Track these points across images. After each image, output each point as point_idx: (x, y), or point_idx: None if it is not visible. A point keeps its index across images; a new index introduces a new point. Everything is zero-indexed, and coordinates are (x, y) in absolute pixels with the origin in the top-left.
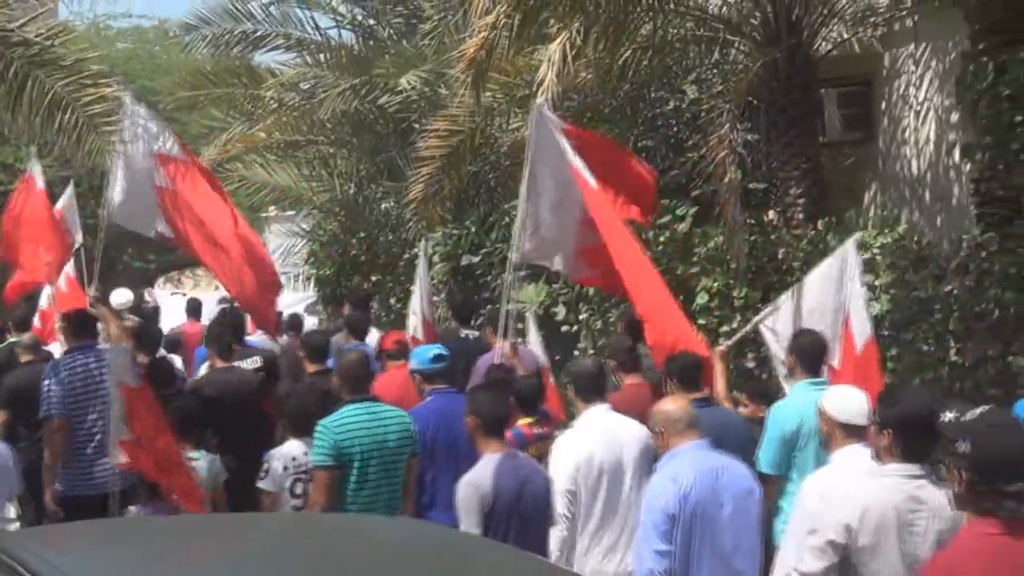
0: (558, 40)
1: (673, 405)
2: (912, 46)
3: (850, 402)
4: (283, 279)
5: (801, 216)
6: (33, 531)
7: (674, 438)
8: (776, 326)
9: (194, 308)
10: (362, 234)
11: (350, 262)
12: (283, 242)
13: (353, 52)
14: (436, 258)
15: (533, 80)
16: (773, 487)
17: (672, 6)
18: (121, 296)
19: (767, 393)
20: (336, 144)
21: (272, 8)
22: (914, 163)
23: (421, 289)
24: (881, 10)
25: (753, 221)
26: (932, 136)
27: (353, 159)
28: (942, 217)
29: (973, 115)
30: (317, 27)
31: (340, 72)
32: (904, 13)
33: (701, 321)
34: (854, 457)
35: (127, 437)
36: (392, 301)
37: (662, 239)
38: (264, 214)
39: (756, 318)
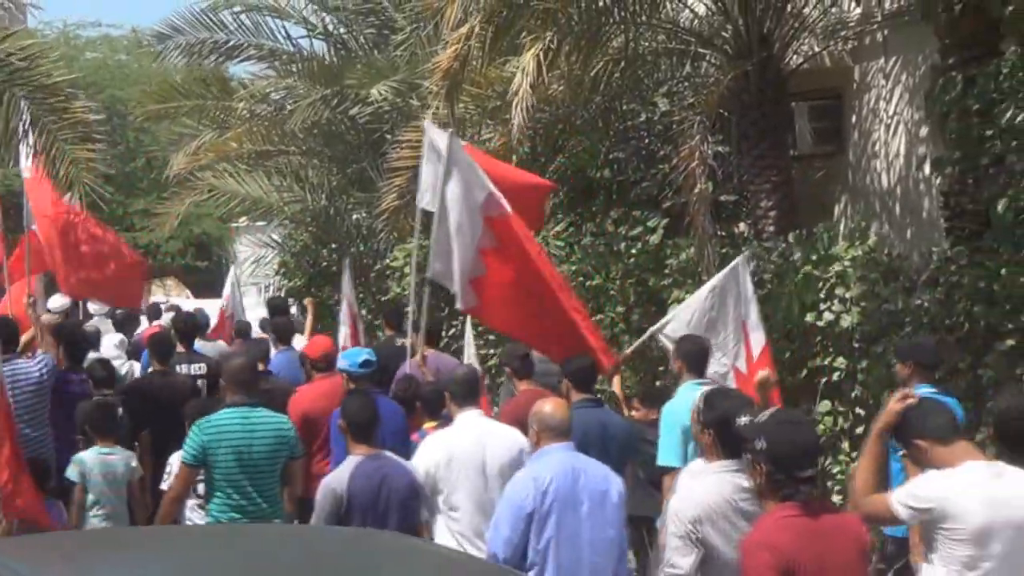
0: (531, 51)
1: (550, 408)
2: (882, 60)
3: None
4: (253, 289)
5: (771, 228)
6: (10, 542)
7: (545, 439)
8: (677, 335)
9: (154, 312)
10: (333, 245)
11: (321, 273)
12: (253, 252)
13: (324, 63)
14: (407, 269)
15: (505, 91)
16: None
17: (644, 19)
18: (56, 301)
19: (659, 397)
20: (307, 155)
21: (244, 17)
22: (884, 176)
23: (347, 300)
24: (851, 24)
25: (724, 233)
26: (902, 149)
27: (324, 170)
28: (912, 230)
29: (943, 129)
30: (289, 37)
31: (311, 83)
32: (874, 27)
33: None
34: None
35: None
36: (363, 312)
37: (634, 251)
38: (235, 224)
39: (652, 328)
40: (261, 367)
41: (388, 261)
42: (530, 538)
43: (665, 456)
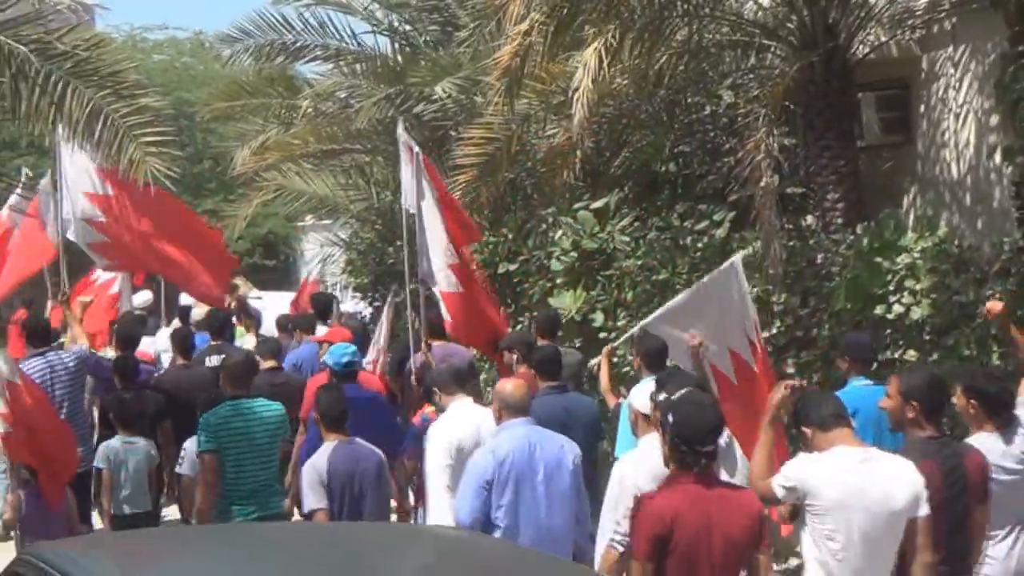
0: (593, 45)
1: (510, 387)
2: (951, 48)
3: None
4: (321, 288)
5: (839, 220)
6: (75, 541)
7: (506, 415)
8: (673, 332)
9: (183, 313)
10: (399, 242)
11: (387, 270)
12: (320, 251)
13: (388, 61)
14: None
15: (568, 86)
16: None
17: (708, 11)
18: (140, 297)
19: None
20: (372, 152)
21: (309, 16)
22: (953, 166)
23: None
24: (919, 12)
25: (791, 226)
26: (972, 139)
27: (389, 167)
28: (983, 220)
29: (1013, 117)
30: (354, 35)
31: (376, 81)
32: (942, 15)
33: None
34: (655, 441)
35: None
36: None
37: (700, 245)
38: (301, 223)
39: (643, 322)
40: (274, 364)
41: None
42: (492, 504)
43: (622, 447)
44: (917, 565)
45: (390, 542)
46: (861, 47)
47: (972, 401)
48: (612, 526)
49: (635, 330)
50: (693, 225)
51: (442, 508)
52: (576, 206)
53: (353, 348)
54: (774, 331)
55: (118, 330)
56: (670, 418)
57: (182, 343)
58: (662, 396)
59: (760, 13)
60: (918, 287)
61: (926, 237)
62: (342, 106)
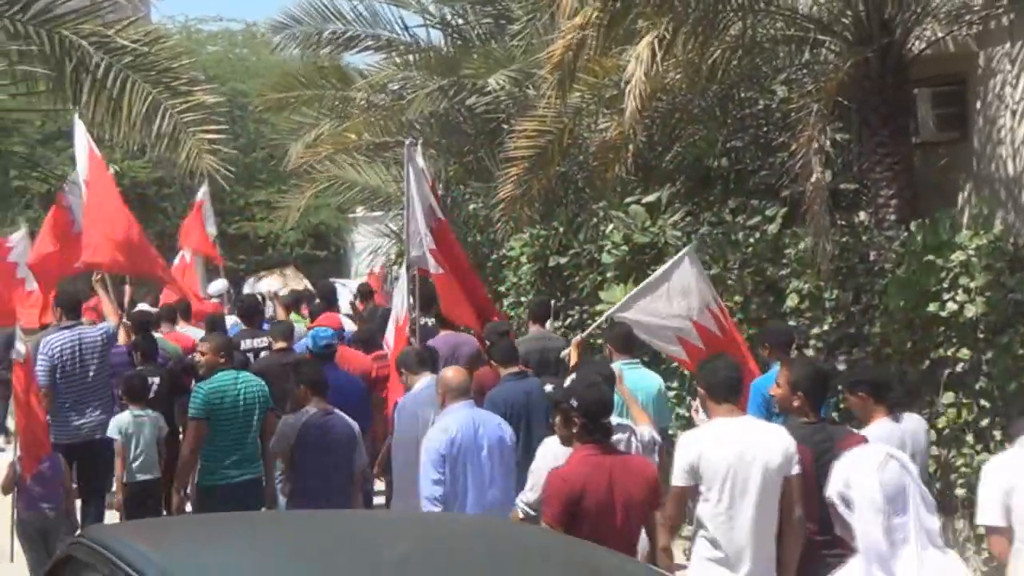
0: (647, 39)
1: (451, 374)
2: (1008, 44)
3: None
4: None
5: (892, 217)
6: (131, 525)
7: (450, 399)
8: (639, 317)
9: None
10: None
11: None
12: (371, 242)
13: (441, 53)
14: (524, 259)
15: (621, 80)
16: None
17: (762, 5)
18: (215, 286)
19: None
20: (424, 144)
21: (361, 7)
22: (1010, 163)
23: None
24: (976, 8)
25: (843, 222)
26: None
27: (441, 160)
28: None
29: None
30: (406, 27)
31: (428, 73)
32: (1000, 11)
33: (791, 323)
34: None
35: None
36: None
37: (751, 240)
38: (352, 214)
39: (608, 312)
40: (284, 345)
41: (505, 251)
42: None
43: None
44: (788, 520)
45: (464, 536)
46: (917, 43)
47: (860, 394)
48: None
49: (602, 319)
50: (745, 220)
51: (406, 479)
52: (627, 200)
53: (332, 332)
54: (825, 327)
55: (132, 316)
56: (573, 402)
57: (212, 327)
58: (550, 387)
59: (815, 8)
60: (972, 285)
61: (981, 235)
62: (395, 98)
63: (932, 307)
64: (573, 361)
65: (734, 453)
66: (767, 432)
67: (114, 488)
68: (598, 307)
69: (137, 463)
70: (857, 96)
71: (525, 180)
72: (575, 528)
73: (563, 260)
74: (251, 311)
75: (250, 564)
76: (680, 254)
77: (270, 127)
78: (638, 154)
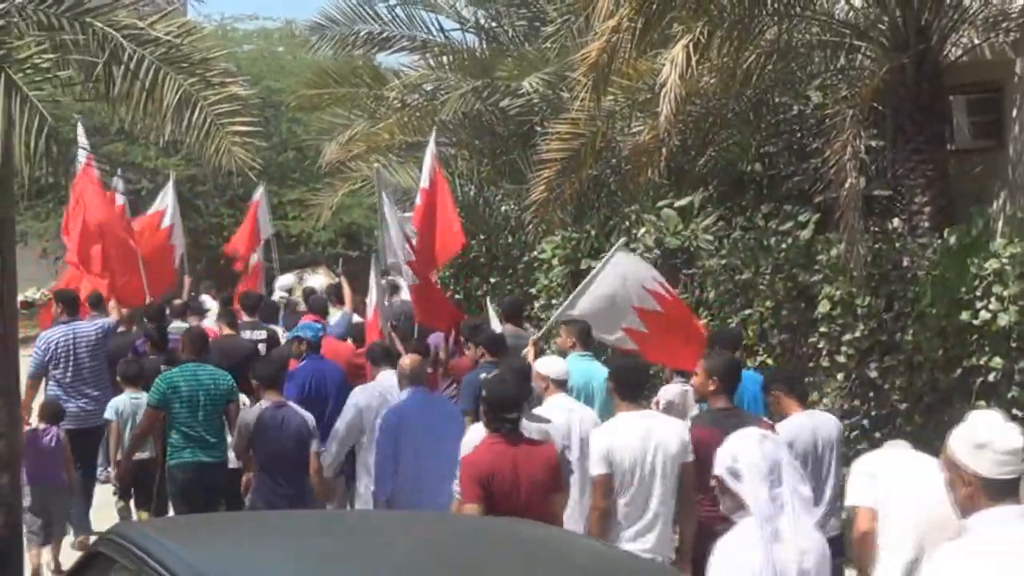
0: (681, 43)
1: (408, 361)
2: None
3: (557, 364)
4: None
5: (926, 224)
6: (161, 522)
7: (404, 384)
8: (584, 315)
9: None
10: (482, 236)
11: (469, 264)
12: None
13: (475, 55)
14: (555, 261)
15: (655, 83)
16: None
17: (798, 10)
18: (283, 281)
19: None
20: (457, 146)
21: (398, 10)
22: None
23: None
24: (1014, 15)
25: (877, 228)
26: None
27: (474, 161)
28: None
29: None
30: (441, 29)
31: (462, 74)
32: None
33: (823, 329)
34: (559, 401)
35: None
36: None
37: (784, 246)
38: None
39: (556, 313)
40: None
41: (536, 253)
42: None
43: None
44: (686, 501)
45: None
46: (954, 49)
47: (775, 392)
48: None
49: (552, 320)
50: (777, 226)
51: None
52: (660, 204)
53: (318, 326)
54: (857, 334)
55: (146, 310)
56: (484, 393)
57: (227, 317)
58: (483, 375)
59: (851, 13)
60: (1006, 293)
61: (1015, 242)
62: (428, 98)
63: (965, 315)
64: (531, 358)
65: (638, 443)
66: (666, 424)
67: (110, 466)
68: None
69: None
70: (892, 102)
71: (557, 183)
72: (488, 507)
73: (595, 263)
74: (256, 304)
75: (280, 563)
76: (612, 251)
77: (303, 126)
78: (671, 158)
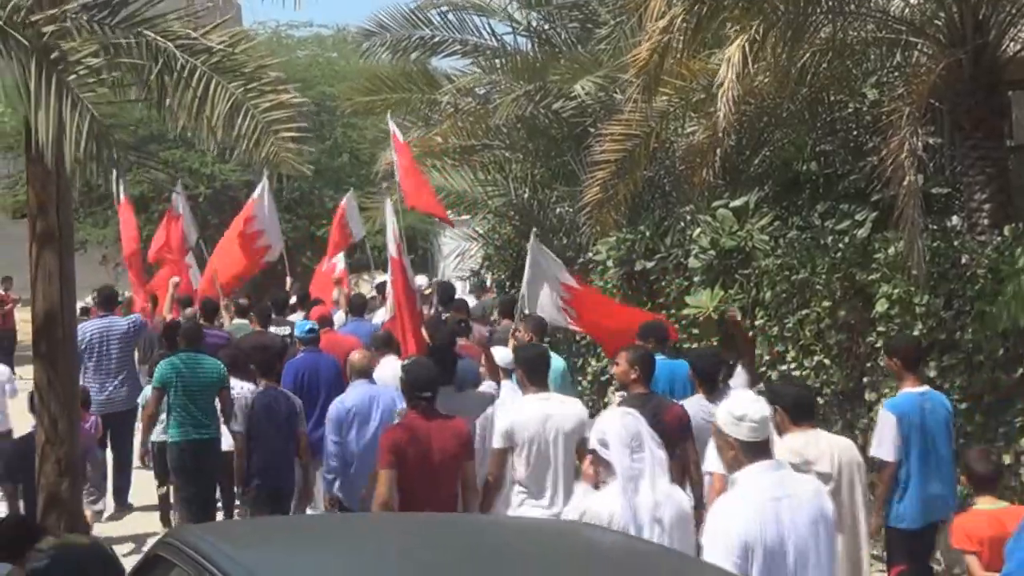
0: (737, 42)
1: (357, 356)
2: None
3: (501, 353)
4: (458, 283)
5: (986, 222)
6: (219, 526)
7: (353, 377)
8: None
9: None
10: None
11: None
12: (458, 245)
13: (528, 58)
14: (610, 263)
15: (709, 83)
16: None
17: (853, 8)
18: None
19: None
20: (511, 149)
21: (450, 15)
22: None
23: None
24: None
25: (935, 226)
26: None
27: (528, 163)
28: None
29: None
30: (493, 33)
31: (515, 78)
32: None
33: (880, 328)
34: (510, 384)
35: None
36: None
37: (841, 245)
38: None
39: (517, 318)
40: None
41: (591, 255)
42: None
43: None
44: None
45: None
46: (1012, 44)
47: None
48: None
49: (518, 317)
50: (834, 225)
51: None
52: (715, 204)
53: (311, 324)
54: (916, 333)
55: (204, 304)
56: (402, 375)
57: (259, 314)
58: (404, 362)
59: (907, 10)
60: None
61: None
62: (481, 102)
63: None
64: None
65: (538, 421)
66: (564, 404)
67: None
68: (684, 311)
69: (159, 427)
70: (949, 98)
71: (611, 184)
72: (402, 473)
73: (650, 264)
74: (281, 304)
75: (339, 567)
76: (529, 247)
77: (357, 131)
78: (726, 158)
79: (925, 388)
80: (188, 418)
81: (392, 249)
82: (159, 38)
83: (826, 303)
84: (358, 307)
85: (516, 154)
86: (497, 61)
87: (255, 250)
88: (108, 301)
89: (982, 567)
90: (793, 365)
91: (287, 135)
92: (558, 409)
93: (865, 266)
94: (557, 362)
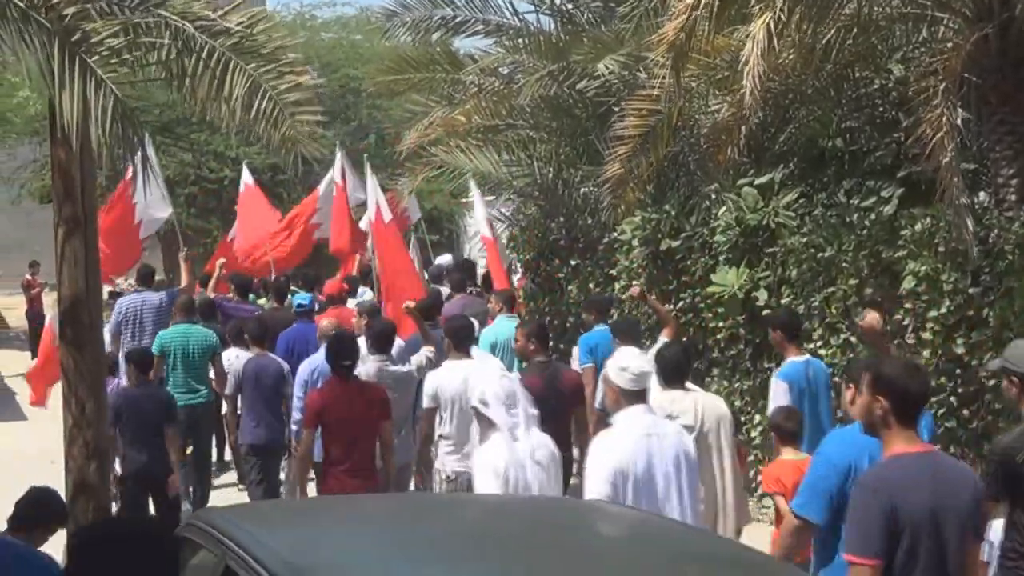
0: (761, 19)
1: (325, 323)
2: None
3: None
4: (481, 262)
5: (1013, 197)
6: (243, 508)
7: (321, 342)
8: None
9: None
10: (561, 218)
11: (549, 246)
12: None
13: (551, 38)
14: (635, 242)
15: (732, 61)
16: None
17: None
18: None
19: None
20: (535, 129)
21: None
22: None
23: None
24: None
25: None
26: None
27: (552, 143)
28: None
29: None
30: (516, 12)
31: (538, 57)
32: None
33: (908, 306)
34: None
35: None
36: (591, 285)
37: (867, 222)
38: (464, 199)
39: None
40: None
41: (616, 234)
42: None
43: None
44: None
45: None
46: None
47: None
48: None
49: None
50: (860, 202)
51: None
52: (740, 182)
53: (307, 296)
54: (943, 310)
55: (233, 278)
56: (327, 347)
57: (276, 291)
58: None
59: None
60: None
61: None
62: (505, 82)
63: None
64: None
65: (459, 382)
66: (482, 368)
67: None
68: (710, 289)
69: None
70: (976, 74)
71: (634, 159)
72: (325, 431)
73: (675, 243)
74: (310, 280)
75: (365, 548)
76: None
77: (382, 112)
78: (751, 135)
79: (807, 356)
80: (183, 383)
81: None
82: (178, 19)
83: (852, 281)
84: (364, 281)
85: (540, 134)
86: (520, 41)
87: (310, 240)
88: (145, 278)
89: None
90: (819, 343)
91: (305, 116)
92: (477, 372)
93: (891, 243)
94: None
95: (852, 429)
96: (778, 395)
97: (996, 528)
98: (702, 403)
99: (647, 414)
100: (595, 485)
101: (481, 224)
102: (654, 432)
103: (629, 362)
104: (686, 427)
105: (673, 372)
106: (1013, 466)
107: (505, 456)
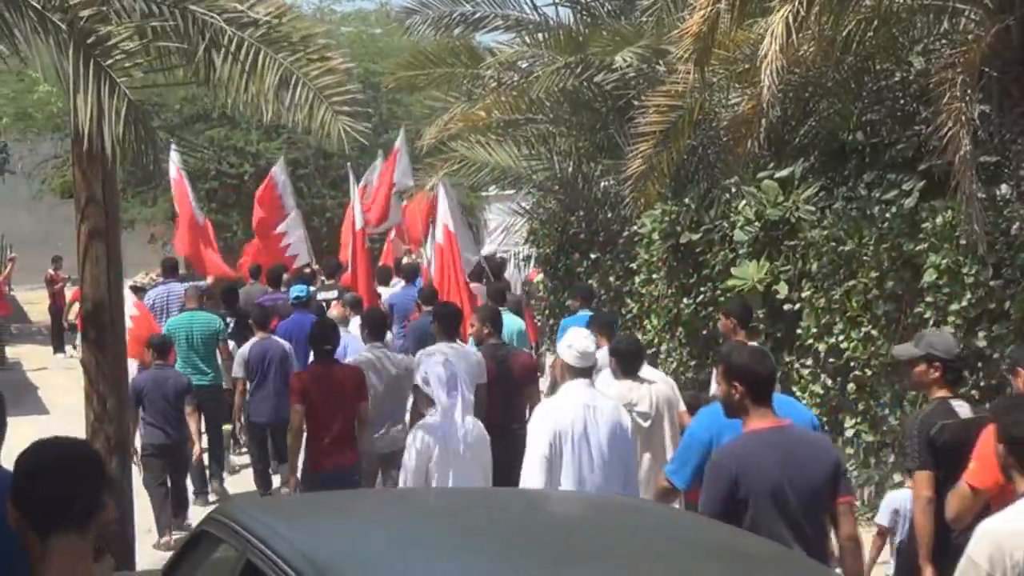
0: (781, 13)
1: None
2: None
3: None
4: (504, 257)
5: None
6: (264, 501)
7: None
8: None
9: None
10: (581, 212)
11: (569, 240)
12: (503, 220)
13: (570, 31)
14: (655, 235)
15: (752, 54)
16: None
17: None
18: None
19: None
20: (555, 122)
21: None
22: None
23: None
24: None
25: (984, 195)
26: None
27: (572, 137)
28: None
29: None
30: (535, 6)
31: (557, 51)
32: None
33: (929, 299)
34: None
35: None
36: (611, 279)
37: (888, 215)
38: (485, 193)
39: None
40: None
41: (636, 227)
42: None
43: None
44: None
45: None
46: None
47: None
48: None
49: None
50: (881, 194)
51: None
52: (760, 175)
53: (304, 288)
54: (964, 303)
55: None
56: (310, 333)
57: (271, 279)
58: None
59: None
60: None
61: None
62: (524, 76)
63: None
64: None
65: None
66: (467, 351)
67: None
68: (729, 283)
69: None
70: (997, 66)
71: (655, 155)
72: (309, 408)
73: (695, 237)
74: (332, 271)
75: (389, 542)
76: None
77: (403, 107)
78: (771, 128)
79: (756, 343)
80: (192, 366)
81: (440, 233)
82: (205, 12)
83: (873, 274)
84: (410, 273)
85: (560, 128)
86: (540, 35)
87: (279, 248)
88: (170, 270)
89: None
90: (840, 337)
91: (340, 99)
92: (461, 354)
93: (913, 236)
94: (513, 322)
95: (718, 408)
96: None
97: (904, 497)
98: (656, 392)
99: (588, 388)
100: (535, 443)
101: (447, 218)
102: (592, 404)
103: (575, 341)
104: (642, 414)
105: (629, 363)
106: (932, 437)
107: (441, 431)
